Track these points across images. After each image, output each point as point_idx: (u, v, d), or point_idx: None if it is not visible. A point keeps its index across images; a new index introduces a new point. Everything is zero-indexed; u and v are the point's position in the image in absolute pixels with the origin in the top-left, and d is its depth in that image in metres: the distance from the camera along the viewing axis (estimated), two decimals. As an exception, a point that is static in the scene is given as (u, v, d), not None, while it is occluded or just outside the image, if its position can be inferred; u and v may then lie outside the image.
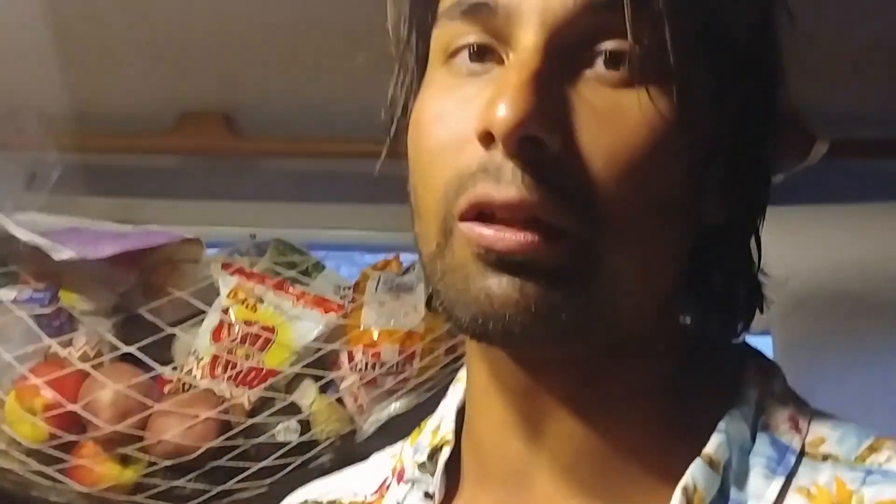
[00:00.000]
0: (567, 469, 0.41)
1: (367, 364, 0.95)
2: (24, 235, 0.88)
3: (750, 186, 0.43)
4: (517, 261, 0.35)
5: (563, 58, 0.36)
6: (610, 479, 0.41)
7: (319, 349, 0.95)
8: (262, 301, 0.96)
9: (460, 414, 0.47)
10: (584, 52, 0.37)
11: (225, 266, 0.99)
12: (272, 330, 0.95)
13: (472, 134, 0.37)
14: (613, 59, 0.37)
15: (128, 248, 0.91)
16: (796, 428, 0.41)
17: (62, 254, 0.86)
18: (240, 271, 0.98)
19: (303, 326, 0.95)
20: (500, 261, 0.36)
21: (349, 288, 1.02)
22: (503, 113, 0.34)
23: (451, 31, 0.39)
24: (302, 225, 1.16)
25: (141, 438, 0.90)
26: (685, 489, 0.38)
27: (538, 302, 0.36)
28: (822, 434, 0.41)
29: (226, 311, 0.95)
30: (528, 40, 0.36)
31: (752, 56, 0.40)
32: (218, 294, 0.97)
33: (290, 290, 0.99)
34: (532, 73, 0.35)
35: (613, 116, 0.36)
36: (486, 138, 0.36)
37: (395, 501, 0.48)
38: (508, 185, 0.35)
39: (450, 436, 0.47)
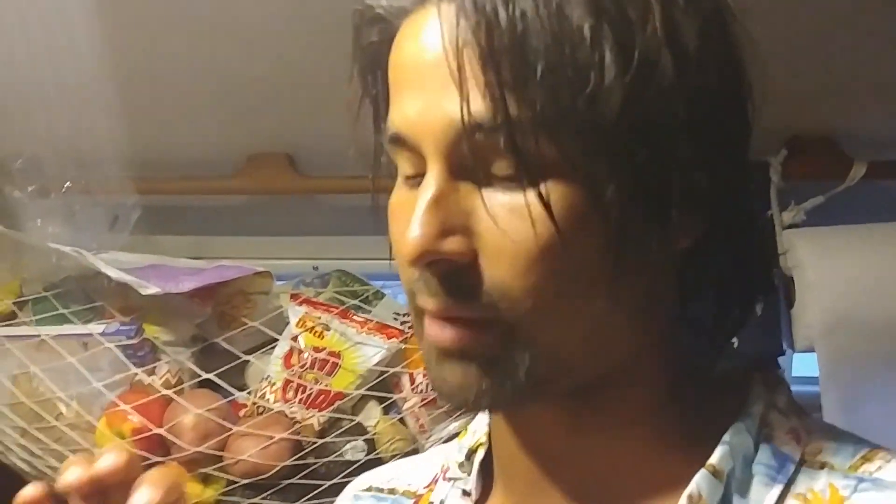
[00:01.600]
0: (577, 486, 0.46)
1: (427, 386, 1.01)
2: (113, 273, 0.96)
3: (706, 210, 0.43)
4: (457, 351, 0.41)
5: (464, 173, 0.40)
6: (619, 494, 0.45)
7: (383, 372, 1.01)
8: (328, 328, 1.03)
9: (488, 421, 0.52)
10: (482, 165, 0.40)
11: (293, 297, 1.06)
12: (338, 355, 1.01)
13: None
14: (506, 168, 0.39)
15: (205, 283, 0.98)
16: (797, 439, 0.44)
17: (148, 289, 0.93)
18: (307, 301, 1.05)
19: (367, 351, 1.02)
20: (447, 352, 0.41)
21: (408, 314, 1.08)
22: (407, 244, 0.39)
23: (393, 154, 0.44)
24: (361, 256, 1.23)
25: (220, 459, 0.97)
26: (690, 497, 0.42)
27: (481, 383, 0.41)
28: (821, 445, 0.44)
29: (295, 338, 1.02)
30: (431, 167, 0.41)
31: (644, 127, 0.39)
32: (287, 323, 1.04)
33: (354, 317, 1.05)
34: (431, 200, 0.40)
35: (514, 219, 0.39)
36: (402, 260, 0.41)
37: (440, 498, 0.52)
38: (433, 295, 0.41)
39: (483, 438, 0.51)
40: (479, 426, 0.53)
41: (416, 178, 0.42)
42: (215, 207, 1.25)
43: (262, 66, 1.07)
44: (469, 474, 0.51)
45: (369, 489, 0.59)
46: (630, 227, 0.40)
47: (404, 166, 0.43)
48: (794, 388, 1.15)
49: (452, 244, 0.40)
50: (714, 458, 0.43)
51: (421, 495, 0.55)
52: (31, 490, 0.47)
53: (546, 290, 0.40)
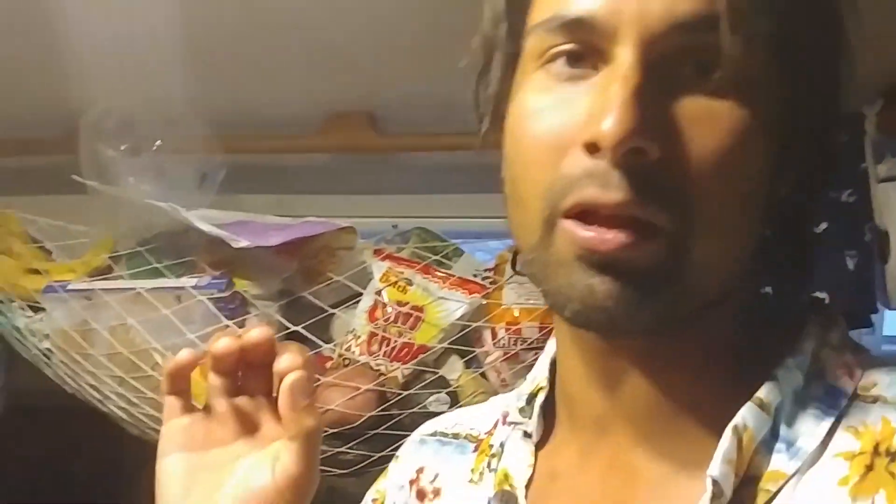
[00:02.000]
0: (639, 418, 0.46)
1: (509, 340, 1.02)
2: (206, 228, 0.98)
3: (812, 164, 0.45)
4: (617, 260, 0.40)
5: (658, 71, 0.40)
6: (675, 426, 0.45)
7: (465, 327, 1.02)
8: (411, 283, 1.04)
9: (554, 364, 0.53)
10: (677, 65, 0.40)
11: (376, 252, 1.08)
12: (421, 310, 1.03)
13: (575, 140, 0.41)
14: (704, 72, 0.40)
15: (293, 238, 1.00)
16: (849, 374, 0.44)
17: (239, 243, 0.96)
18: (390, 257, 1.07)
19: (449, 306, 1.03)
20: (601, 262, 0.40)
21: (489, 270, 1.09)
22: (611, 127, 0.38)
23: (546, 41, 0.43)
24: (440, 215, 1.24)
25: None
26: (735, 428, 0.41)
27: (634, 299, 0.40)
28: (875, 379, 0.44)
29: (379, 293, 1.04)
30: (626, 56, 0.40)
31: (818, 60, 0.43)
32: (371, 278, 1.06)
33: (436, 273, 1.06)
34: (634, 88, 0.39)
35: (706, 123, 0.40)
36: (593, 148, 0.40)
37: (500, 440, 0.54)
38: (614, 189, 0.39)
39: (544, 383, 0.52)
40: (539, 373, 0.53)
41: (577, 69, 0.42)
42: (297, 167, 1.27)
43: (344, 26, 1.08)
44: (530, 418, 0.52)
45: (434, 434, 0.61)
46: (794, 154, 0.42)
47: (560, 51, 0.42)
48: (885, 347, 1.12)
49: (649, 139, 0.39)
50: (761, 392, 0.43)
51: (482, 439, 0.56)
52: (182, 355, 0.51)
53: (722, 202, 0.40)
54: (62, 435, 1.26)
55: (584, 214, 0.41)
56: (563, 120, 0.42)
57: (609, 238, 0.40)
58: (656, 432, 0.46)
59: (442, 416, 0.63)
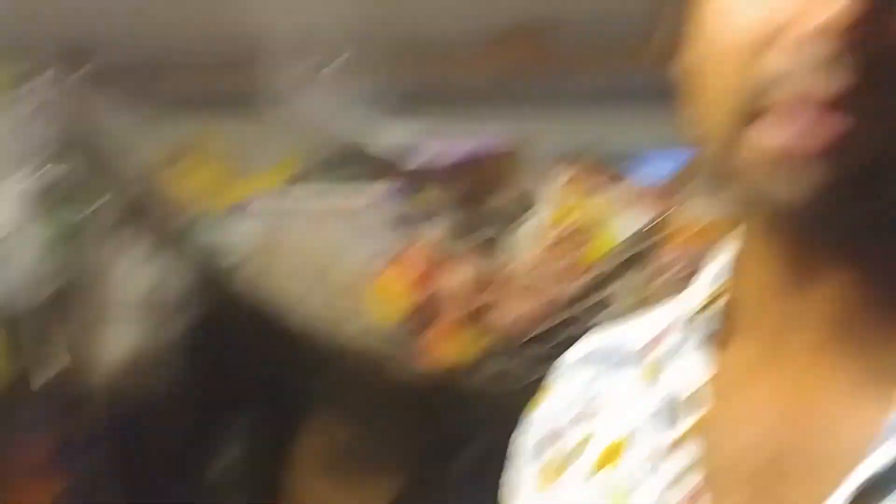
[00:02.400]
0: (827, 327, 0.43)
1: (686, 256, 0.99)
2: (382, 147, 1.02)
3: None
4: (832, 150, 0.37)
5: None
6: (865, 339, 0.42)
7: (641, 242, 1.01)
8: (584, 201, 1.03)
9: (729, 270, 0.50)
10: None
11: (549, 171, 1.07)
12: (595, 226, 1.02)
13: (787, 28, 0.37)
14: None
15: (465, 157, 1.02)
16: None
17: (416, 162, 0.99)
18: (563, 174, 1.06)
19: (625, 222, 1.02)
20: (815, 151, 0.37)
21: (665, 186, 1.06)
22: (850, 4, 0.35)
23: None
24: (615, 131, 1.22)
25: (486, 317, 1.02)
26: None
27: (847, 192, 0.37)
28: None
29: (551, 210, 1.04)
30: None
31: None
32: (543, 196, 1.06)
33: (610, 190, 1.05)
34: None
35: None
36: (824, 31, 0.36)
37: (669, 347, 0.52)
38: (841, 76, 0.36)
39: (720, 290, 0.50)
40: (714, 278, 0.52)
41: None
42: (467, 86, 1.28)
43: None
44: (698, 329, 0.50)
45: (589, 354, 0.59)
46: None
47: None
48: None
49: (882, 22, 0.36)
50: None
51: (645, 352, 0.55)
52: None
53: None
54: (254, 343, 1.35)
55: (796, 104, 0.38)
56: (767, 9, 0.39)
57: (825, 127, 0.37)
58: (844, 343, 0.43)
59: (593, 334, 0.62)
